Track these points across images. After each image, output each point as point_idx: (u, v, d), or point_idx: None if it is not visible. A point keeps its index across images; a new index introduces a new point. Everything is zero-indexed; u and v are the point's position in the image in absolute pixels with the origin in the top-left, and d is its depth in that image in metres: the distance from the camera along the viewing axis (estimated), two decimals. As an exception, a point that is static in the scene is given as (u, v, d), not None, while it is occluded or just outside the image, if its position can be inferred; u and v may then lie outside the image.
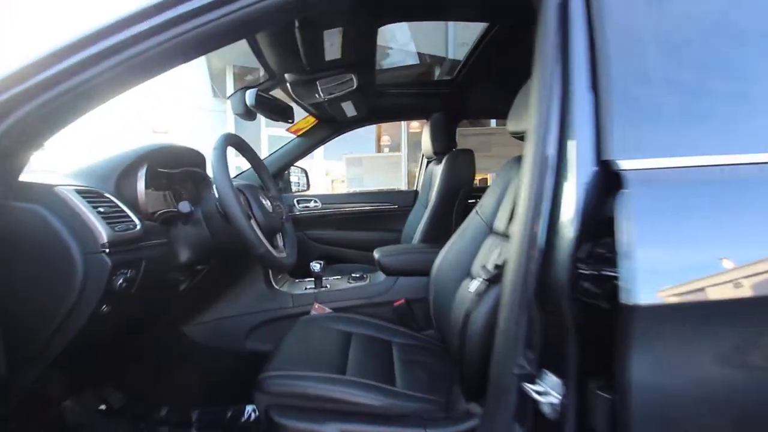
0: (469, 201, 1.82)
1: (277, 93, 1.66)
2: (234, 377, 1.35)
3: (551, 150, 0.67)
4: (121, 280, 0.79)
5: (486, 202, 1.26)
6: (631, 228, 0.54)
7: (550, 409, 0.59)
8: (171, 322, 1.25)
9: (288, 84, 1.36)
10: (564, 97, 0.67)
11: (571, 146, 0.65)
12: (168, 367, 1.28)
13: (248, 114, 1.41)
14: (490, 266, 0.82)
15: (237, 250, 1.11)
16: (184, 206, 0.91)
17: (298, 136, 2.16)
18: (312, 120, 2.10)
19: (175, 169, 1.00)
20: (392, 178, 2.51)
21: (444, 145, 1.77)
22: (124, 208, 0.85)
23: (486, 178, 3.00)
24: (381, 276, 1.46)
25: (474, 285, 0.85)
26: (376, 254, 1.45)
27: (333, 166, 6.67)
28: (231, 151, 1.08)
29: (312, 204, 2.36)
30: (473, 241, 1.24)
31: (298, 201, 2.34)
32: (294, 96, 1.48)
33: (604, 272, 0.59)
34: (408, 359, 1.13)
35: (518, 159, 1.24)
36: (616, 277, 0.57)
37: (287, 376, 0.90)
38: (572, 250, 0.60)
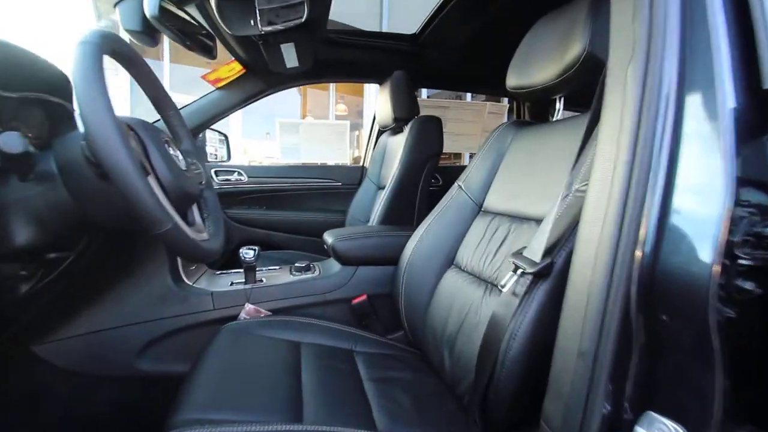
0: (432, 180, 1.58)
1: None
2: (117, 418, 0.93)
3: (669, 84, 0.43)
4: None
5: (473, 176, 1.02)
6: None
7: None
8: (12, 338, 0.80)
9: (212, -5, 0.96)
10: (685, 13, 0.44)
11: (701, 76, 0.43)
12: (6, 408, 0.82)
13: (146, 33, 0.97)
14: (532, 254, 0.56)
15: (122, 226, 0.71)
16: (11, 142, 0.48)
17: (217, 89, 1.71)
18: (238, 68, 1.66)
19: (13, 92, 0.57)
20: (336, 151, 2.17)
21: (407, 110, 1.49)
22: None
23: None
24: (335, 266, 1.14)
25: (508, 281, 0.59)
26: (327, 238, 1.13)
27: (252, 145, 6.00)
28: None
29: (235, 177, 1.92)
30: (457, 223, 0.99)
31: (216, 172, 1.89)
32: (218, 20, 1.07)
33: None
34: (380, 377, 0.84)
35: (515, 125, 1.02)
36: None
37: (209, 423, 0.55)
38: (720, 229, 0.38)
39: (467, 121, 2.10)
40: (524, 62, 0.90)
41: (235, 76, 1.67)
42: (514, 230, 0.81)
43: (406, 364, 0.92)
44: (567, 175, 0.68)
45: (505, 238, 0.83)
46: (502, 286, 0.60)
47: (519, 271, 0.57)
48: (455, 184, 1.06)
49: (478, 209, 0.98)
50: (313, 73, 1.72)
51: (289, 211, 1.95)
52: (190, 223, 0.70)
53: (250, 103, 1.80)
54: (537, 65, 0.86)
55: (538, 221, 0.75)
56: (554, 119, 0.93)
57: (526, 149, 0.93)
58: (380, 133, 1.90)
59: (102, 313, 0.90)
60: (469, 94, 3.07)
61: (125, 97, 5.10)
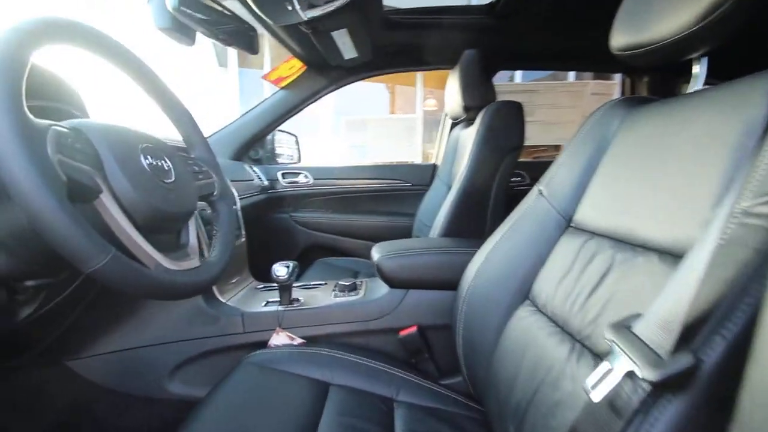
0: (513, 179, 1.30)
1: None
2: None
3: None
4: None
5: (559, 178, 0.74)
6: None
7: None
8: (44, 354, 0.79)
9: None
10: None
11: None
12: (44, 422, 0.82)
13: (179, 30, 0.90)
14: (653, 331, 0.31)
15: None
16: None
17: (281, 89, 1.65)
18: (298, 65, 1.58)
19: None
20: (405, 148, 1.99)
21: (480, 96, 1.24)
22: None
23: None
24: (383, 287, 0.96)
25: (601, 380, 0.34)
26: (374, 254, 0.96)
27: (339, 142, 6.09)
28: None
29: (301, 178, 1.86)
30: (536, 241, 0.73)
31: (283, 174, 1.85)
32: (257, 11, 0.96)
33: None
34: (422, 447, 0.64)
35: (625, 103, 0.71)
36: None
37: None
38: None
39: (564, 107, 1.73)
40: (639, 10, 0.61)
41: (296, 75, 1.60)
42: (621, 264, 0.53)
43: (459, 428, 0.70)
44: (721, 181, 0.40)
45: (606, 275, 0.55)
46: (593, 387, 0.34)
47: (623, 368, 0.31)
48: (534, 187, 0.80)
49: (566, 224, 0.71)
50: (376, 63, 1.56)
51: (355, 214, 1.83)
52: (181, 245, 0.59)
53: (314, 101, 1.71)
54: (660, 10, 0.56)
55: (663, 254, 0.47)
56: (691, 91, 0.61)
57: (643, 138, 0.62)
58: (453, 125, 1.66)
59: (133, 331, 0.86)
60: (572, 73, 2.57)
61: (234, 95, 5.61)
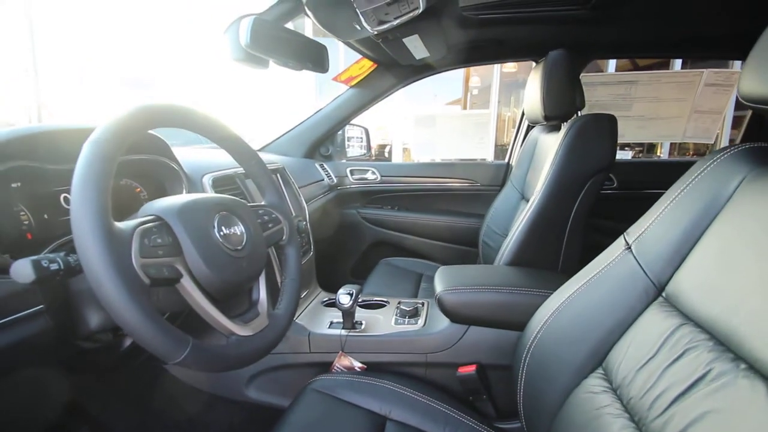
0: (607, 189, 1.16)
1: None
2: None
3: None
4: None
5: (653, 235, 0.64)
6: None
7: None
8: (146, 360, 0.92)
9: (304, 3, 0.83)
10: None
11: None
12: (150, 409, 0.98)
13: (251, 59, 0.92)
14: None
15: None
16: (22, 271, 0.41)
17: (351, 87, 1.64)
18: (368, 65, 1.54)
19: (60, 165, 0.57)
20: (475, 145, 1.89)
21: (565, 106, 1.10)
22: None
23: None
24: (443, 320, 0.95)
25: None
26: (437, 285, 0.94)
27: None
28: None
29: (369, 175, 1.87)
30: (618, 302, 0.65)
31: (351, 171, 1.87)
32: (322, 26, 0.94)
33: None
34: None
35: (752, 154, 0.58)
36: None
37: None
38: None
39: (668, 100, 1.47)
40: None
41: (366, 74, 1.56)
42: (719, 378, 0.46)
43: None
44: None
45: (698, 383, 0.47)
46: None
47: None
48: (621, 237, 0.70)
49: (656, 293, 0.62)
50: (449, 59, 1.47)
51: (421, 213, 1.80)
52: (252, 302, 0.63)
53: (384, 98, 1.68)
54: None
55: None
56: None
57: None
58: (532, 126, 1.52)
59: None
60: (678, 61, 2.18)
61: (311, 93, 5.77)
